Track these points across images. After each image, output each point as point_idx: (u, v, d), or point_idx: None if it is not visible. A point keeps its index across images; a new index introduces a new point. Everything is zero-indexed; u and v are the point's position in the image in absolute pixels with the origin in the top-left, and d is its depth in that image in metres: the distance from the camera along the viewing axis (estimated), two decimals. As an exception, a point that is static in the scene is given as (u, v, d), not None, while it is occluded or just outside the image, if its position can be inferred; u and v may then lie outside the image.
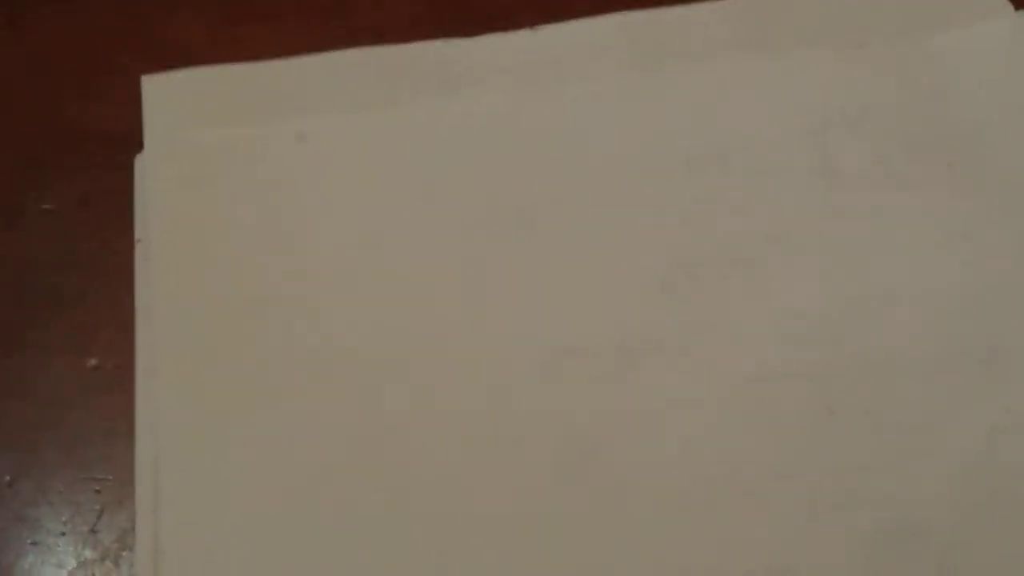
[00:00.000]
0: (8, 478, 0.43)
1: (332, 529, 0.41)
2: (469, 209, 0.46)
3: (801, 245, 0.46)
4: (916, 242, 0.46)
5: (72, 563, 0.42)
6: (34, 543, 0.42)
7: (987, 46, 0.48)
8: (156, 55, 0.50)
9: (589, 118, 0.48)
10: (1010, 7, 0.49)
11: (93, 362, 0.45)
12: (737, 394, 0.43)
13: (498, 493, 0.42)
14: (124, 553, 0.42)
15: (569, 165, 0.47)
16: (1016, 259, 0.45)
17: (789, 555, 0.41)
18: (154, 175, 0.47)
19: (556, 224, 0.46)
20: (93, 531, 0.42)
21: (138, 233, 0.46)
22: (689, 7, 0.50)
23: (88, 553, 0.42)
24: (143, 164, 0.47)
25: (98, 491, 0.43)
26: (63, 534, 0.42)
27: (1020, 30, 0.49)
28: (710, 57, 0.49)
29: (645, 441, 0.43)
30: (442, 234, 0.46)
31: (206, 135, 0.47)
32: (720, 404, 0.43)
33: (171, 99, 0.48)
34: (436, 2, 0.51)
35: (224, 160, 0.47)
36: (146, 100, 0.48)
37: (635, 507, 0.42)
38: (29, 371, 0.45)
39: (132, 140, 0.48)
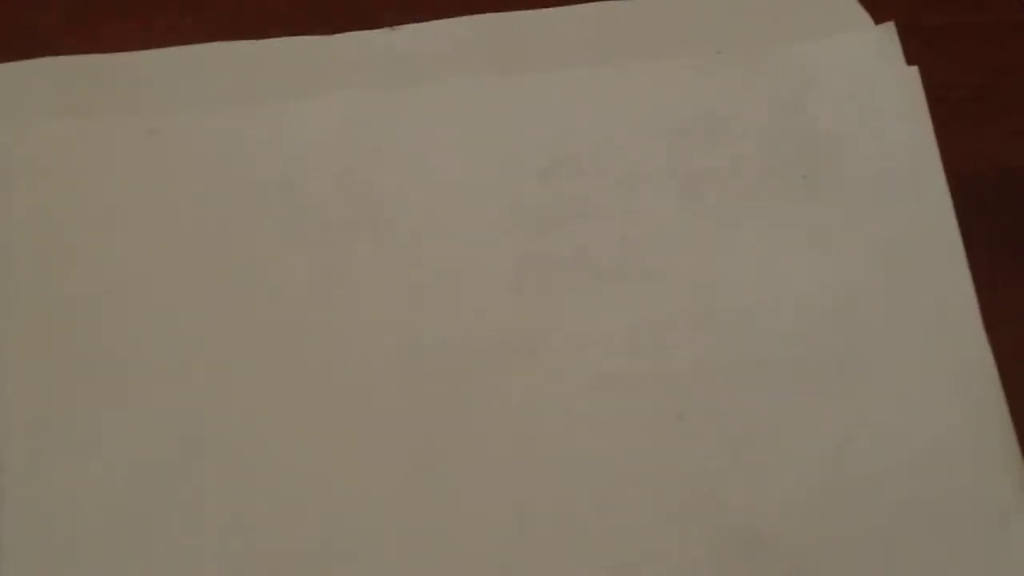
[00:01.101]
0: None
1: (172, 530, 0.41)
2: (321, 208, 0.46)
3: (655, 252, 0.46)
4: (770, 252, 0.46)
5: None
6: None
7: (846, 58, 0.49)
8: (8, 42, 0.48)
9: (445, 119, 0.47)
10: (869, 20, 0.49)
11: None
12: (585, 398, 0.43)
13: (347, 495, 0.42)
14: None
15: (423, 165, 0.47)
16: (869, 271, 0.45)
17: (634, 557, 0.41)
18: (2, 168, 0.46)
19: (409, 224, 0.46)
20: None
21: None
22: (548, 11, 0.49)
23: None
24: None
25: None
26: None
27: (879, 43, 0.49)
28: (568, 62, 0.48)
29: (490, 444, 0.43)
30: (293, 233, 0.45)
31: (54, 126, 0.46)
32: (567, 408, 0.43)
33: (19, 89, 0.47)
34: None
35: (72, 152, 0.46)
36: None
37: (482, 510, 0.42)
38: None
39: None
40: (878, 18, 0.49)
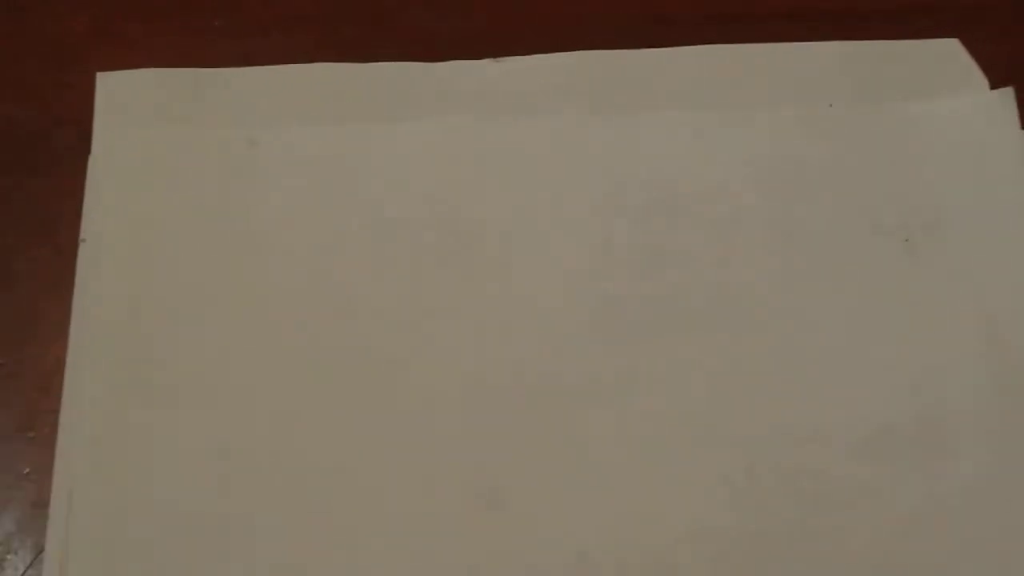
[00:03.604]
0: None
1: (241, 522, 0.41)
2: (410, 232, 0.46)
3: (746, 303, 0.45)
4: (864, 313, 0.44)
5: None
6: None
7: (960, 121, 0.47)
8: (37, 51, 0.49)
9: (541, 152, 0.47)
10: (985, 82, 0.48)
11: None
12: (655, 447, 0.42)
13: (407, 524, 0.41)
14: (8, 557, 0.42)
15: (516, 197, 0.46)
16: (965, 345, 0.44)
17: None
18: (102, 171, 0.46)
19: (496, 255, 0.45)
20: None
21: (83, 233, 0.45)
22: (653, 51, 0.48)
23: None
24: (95, 163, 0.46)
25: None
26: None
27: (995, 108, 0.47)
28: (672, 104, 0.48)
29: (555, 483, 0.42)
30: (379, 253, 0.45)
31: (158, 133, 0.47)
32: (636, 455, 0.42)
33: (123, 97, 0.47)
34: (397, 27, 0.50)
35: (174, 159, 0.46)
36: (99, 96, 0.47)
37: (542, 550, 0.41)
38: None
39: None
40: (995, 81, 0.48)
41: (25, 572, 0.41)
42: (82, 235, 0.45)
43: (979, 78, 0.48)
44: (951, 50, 0.48)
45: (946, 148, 0.47)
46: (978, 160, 0.47)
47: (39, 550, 0.41)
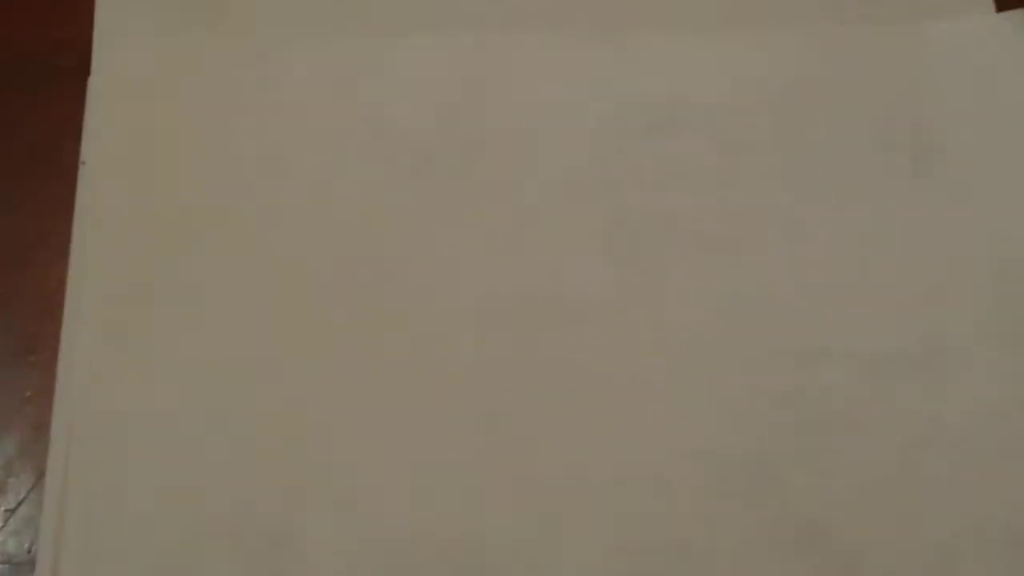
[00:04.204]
0: None
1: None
2: (418, 144, 0.45)
3: (752, 223, 0.44)
4: (871, 232, 0.44)
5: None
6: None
7: (971, 42, 0.47)
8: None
9: (551, 69, 0.46)
10: (991, 4, 0.47)
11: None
12: (660, 366, 0.42)
13: (410, 443, 0.41)
14: (10, 480, 0.41)
15: (524, 112, 0.46)
16: (970, 263, 0.43)
17: (691, 532, 0.40)
18: (102, 93, 0.46)
19: (503, 170, 0.45)
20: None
21: (84, 155, 0.45)
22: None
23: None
24: (94, 85, 0.46)
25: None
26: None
27: (1006, 30, 0.47)
28: (681, 25, 0.47)
29: (557, 400, 0.41)
30: (387, 165, 0.45)
31: (158, 52, 0.46)
32: (640, 373, 0.42)
33: (125, 18, 0.47)
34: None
35: (176, 77, 0.46)
36: (99, 17, 0.47)
37: (542, 466, 0.41)
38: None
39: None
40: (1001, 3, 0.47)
41: (27, 495, 0.41)
42: (82, 157, 0.45)
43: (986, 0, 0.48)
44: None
45: (955, 69, 0.46)
46: (986, 82, 0.46)
47: (40, 473, 0.41)
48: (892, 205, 0.44)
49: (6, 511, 0.40)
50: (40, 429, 0.41)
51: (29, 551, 0.40)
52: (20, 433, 0.42)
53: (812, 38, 0.47)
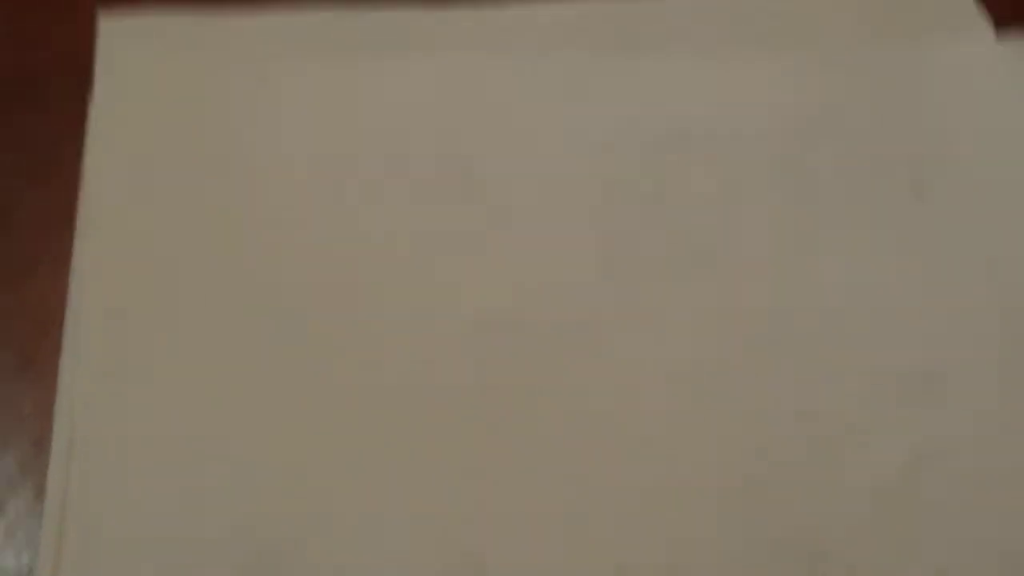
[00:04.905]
0: None
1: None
2: (414, 167, 0.45)
3: (750, 244, 0.44)
4: (869, 257, 0.44)
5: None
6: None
7: (971, 67, 0.48)
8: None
9: (549, 90, 0.47)
10: (990, 29, 0.48)
11: None
12: (657, 387, 0.42)
13: (401, 467, 0.41)
14: (10, 498, 0.41)
15: (521, 134, 0.46)
16: (969, 290, 0.44)
17: (687, 555, 0.40)
18: (104, 114, 0.46)
19: (499, 191, 0.45)
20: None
21: (85, 173, 0.45)
22: (661, 1, 0.49)
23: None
24: (96, 106, 0.46)
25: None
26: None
27: (1006, 55, 0.48)
28: (679, 48, 0.48)
29: (553, 426, 0.41)
30: (389, 188, 0.45)
31: (161, 74, 0.46)
32: (637, 396, 0.42)
33: (128, 41, 0.47)
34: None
35: (178, 98, 0.46)
36: (101, 41, 0.47)
37: (539, 489, 0.40)
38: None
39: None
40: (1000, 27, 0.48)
41: (26, 512, 0.41)
42: (84, 174, 0.45)
43: (984, 25, 0.48)
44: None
45: (954, 94, 0.47)
46: (986, 107, 0.47)
47: (40, 490, 0.40)
48: (892, 228, 0.45)
49: (5, 528, 0.40)
50: (40, 445, 0.41)
51: (29, 569, 0.40)
52: (19, 449, 0.41)
53: (812, 63, 0.47)
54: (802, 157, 0.46)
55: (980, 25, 0.48)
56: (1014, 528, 0.40)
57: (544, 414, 0.42)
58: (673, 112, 0.46)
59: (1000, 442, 0.42)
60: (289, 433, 0.41)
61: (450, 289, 0.43)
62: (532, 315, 0.43)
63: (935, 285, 0.44)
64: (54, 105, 0.47)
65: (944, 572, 0.40)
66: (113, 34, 0.47)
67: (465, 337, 0.43)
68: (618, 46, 0.48)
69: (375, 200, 0.45)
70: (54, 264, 0.44)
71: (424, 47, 0.47)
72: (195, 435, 0.41)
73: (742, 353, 0.43)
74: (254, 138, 0.46)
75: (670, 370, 0.42)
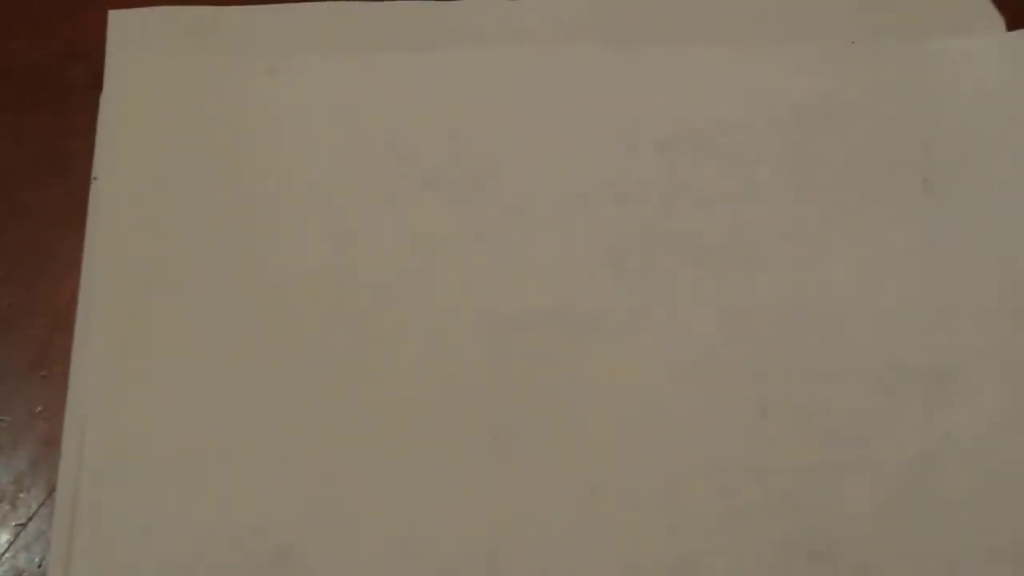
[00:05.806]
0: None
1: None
2: (425, 164, 0.45)
3: (763, 240, 0.44)
4: (880, 251, 0.44)
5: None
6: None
7: (982, 61, 0.47)
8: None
9: (560, 85, 0.46)
10: (1001, 22, 0.48)
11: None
12: (670, 383, 0.42)
13: (417, 460, 0.41)
14: (20, 495, 0.41)
15: (533, 130, 0.46)
16: (980, 285, 0.44)
17: (698, 549, 0.40)
18: (115, 109, 0.46)
19: (511, 188, 0.45)
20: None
21: (96, 170, 0.45)
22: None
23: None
24: (107, 101, 0.46)
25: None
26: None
27: (1017, 49, 0.47)
28: (692, 40, 0.47)
29: (566, 420, 0.41)
30: (392, 184, 0.45)
31: (171, 68, 0.46)
32: (650, 391, 0.42)
33: (137, 35, 0.47)
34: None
35: (188, 93, 0.46)
36: (111, 35, 0.47)
37: (551, 483, 0.40)
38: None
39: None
40: (1012, 21, 0.48)
41: (37, 511, 0.41)
42: (94, 172, 0.45)
43: (995, 17, 0.48)
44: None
45: (966, 87, 0.47)
46: (997, 100, 0.46)
47: (51, 488, 0.41)
48: (903, 222, 0.44)
49: (17, 526, 0.40)
50: (51, 444, 0.41)
51: (40, 566, 0.40)
52: (31, 448, 0.41)
53: (824, 56, 0.47)
54: (812, 151, 0.45)
55: (992, 18, 0.48)
56: None
57: (554, 412, 0.42)
58: (682, 106, 0.46)
59: (1011, 437, 0.41)
60: (297, 434, 0.41)
61: (459, 287, 0.43)
62: (542, 313, 0.43)
63: (945, 281, 0.44)
64: (66, 100, 0.47)
65: (956, 567, 0.40)
66: (122, 27, 0.47)
67: (474, 336, 0.42)
68: (628, 38, 0.47)
69: (385, 195, 0.45)
70: (65, 263, 0.44)
71: (436, 40, 0.47)
72: (206, 432, 0.41)
73: (753, 350, 0.42)
74: (264, 131, 0.46)
75: (681, 368, 0.42)
